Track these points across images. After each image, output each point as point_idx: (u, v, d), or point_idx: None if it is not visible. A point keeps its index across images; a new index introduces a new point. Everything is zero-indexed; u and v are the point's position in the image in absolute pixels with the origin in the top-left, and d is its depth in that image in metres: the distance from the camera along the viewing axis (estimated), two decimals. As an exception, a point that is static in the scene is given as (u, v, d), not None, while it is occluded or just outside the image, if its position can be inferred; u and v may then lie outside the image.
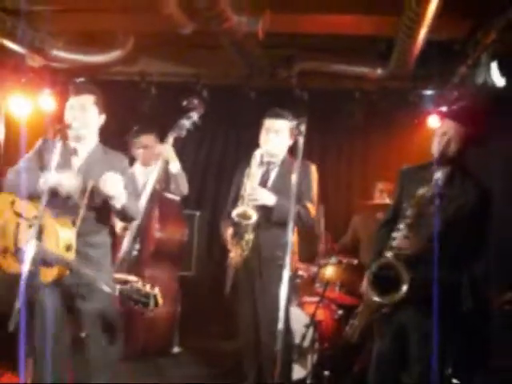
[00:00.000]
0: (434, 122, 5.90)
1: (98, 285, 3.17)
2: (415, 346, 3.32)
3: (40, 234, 3.07)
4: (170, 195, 5.05)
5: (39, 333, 3.47)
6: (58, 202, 3.39)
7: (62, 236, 3.26)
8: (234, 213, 3.97)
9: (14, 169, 3.47)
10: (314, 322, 4.58)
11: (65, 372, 3.57)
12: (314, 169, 4.20)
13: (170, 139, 4.88)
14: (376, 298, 3.24)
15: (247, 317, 4.21)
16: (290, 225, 2.93)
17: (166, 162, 4.90)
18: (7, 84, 6.45)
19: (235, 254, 4.07)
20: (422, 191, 3.17)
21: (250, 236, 3.96)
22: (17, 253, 3.32)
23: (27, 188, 3.26)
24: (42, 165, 3.43)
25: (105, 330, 3.55)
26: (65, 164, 3.42)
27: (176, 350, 5.49)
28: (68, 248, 3.26)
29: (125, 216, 3.53)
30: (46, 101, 6.58)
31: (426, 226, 3.21)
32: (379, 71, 5.93)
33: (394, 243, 3.26)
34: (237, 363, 4.65)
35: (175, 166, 4.92)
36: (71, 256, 3.26)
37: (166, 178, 5.02)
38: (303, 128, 2.98)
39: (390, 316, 3.34)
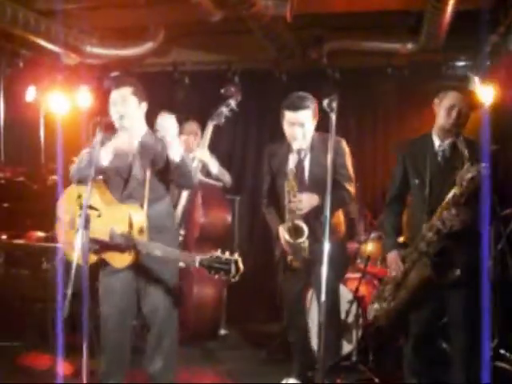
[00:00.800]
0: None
1: (177, 259, 3.28)
2: (458, 317, 3.35)
3: (87, 223, 3.13)
4: (211, 181, 5.14)
5: (105, 320, 3.61)
6: (122, 187, 3.53)
7: (135, 220, 3.36)
8: (285, 232, 3.85)
9: (77, 161, 3.59)
10: (357, 298, 4.62)
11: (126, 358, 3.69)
12: (344, 144, 4.07)
13: (210, 127, 4.95)
14: (438, 279, 3.26)
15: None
16: (328, 200, 2.96)
17: (205, 165, 4.98)
18: (45, 83, 6.62)
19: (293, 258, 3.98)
20: (474, 169, 3.13)
21: (306, 244, 3.82)
22: (95, 243, 3.40)
23: (89, 169, 3.22)
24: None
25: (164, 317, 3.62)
26: (123, 153, 3.54)
27: (223, 332, 5.61)
28: (141, 231, 3.36)
29: (183, 173, 3.48)
30: (84, 97, 6.72)
31: (470, 203, 3.22)
32: (410, 46, 5.91)
33: (436, 222, 3.25)
34: (282, 344, 4.75)
35: (214, 167, 5.03)
36: (144, 238, 3.37)
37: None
38: (335, 105, 3.01)
39: (433, 293, 3.39)
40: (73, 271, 3.01)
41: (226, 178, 5.16)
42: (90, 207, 3.34)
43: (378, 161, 6.72)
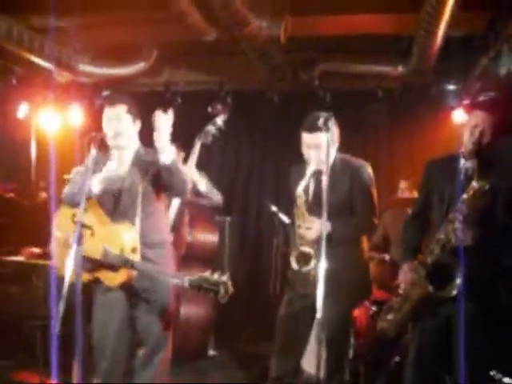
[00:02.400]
0: (458, 116, 5.92)
1: (167, 280, 3.26)
2: (460, 341, 3.31)
3: (81, 239, 3.12)
4: (200, 200, 5.13)
5: (99, 337, 3.58)
6: (114, 206, 3.51)
7: (127, 239, 3.35)
8: (292, 259, 3.76)
9: (70, 182, 3.59)
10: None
11: (119, 378, 3.64)
12: (367, 169, 3.87)
13: (197, 146, 4.95)
14: (435, 292, 3.23)
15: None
16: (324, 215, 2.96)
17: (193, 184, 4.98)
18: (37, 100, 6.62)
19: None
20: (480, 184, 3.14)
21: (313, 272, 3.66)
22: (88, 261, 3.36)
23: (81, 195, 3.21)
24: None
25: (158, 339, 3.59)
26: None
27: (212, 352, 5.57)
28: (133, 250, 3.35)
29: (173, 177, 3.40)
30: (75, 115, 6.74)
31: (478, 219, 3.21)
32: (401, 68, 5.98)
33: (443, 236, 3.24)
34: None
35: (202, 185, 5.01)
36: (136, 257, 3.36)
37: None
38: (330, 123, 3.03)
39: (436, 310, 3.33)
40: (65, 288, 3.00)
41: (215, 195, 5.13)
42: (84, 226, 3.29)
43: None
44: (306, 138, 3.78)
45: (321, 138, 3.65)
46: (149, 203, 3.54)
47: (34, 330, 4.67)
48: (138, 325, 3.60)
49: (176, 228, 5.07)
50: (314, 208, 3.72)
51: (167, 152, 3.34)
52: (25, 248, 5.39)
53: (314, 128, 3.67)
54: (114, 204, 3.53)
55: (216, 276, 3.06)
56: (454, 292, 3.16)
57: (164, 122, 3.33)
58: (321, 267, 2.89)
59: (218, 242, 5.45)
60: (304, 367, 4.46)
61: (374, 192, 3.87)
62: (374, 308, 4.97)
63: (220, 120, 4.91)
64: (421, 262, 3.35)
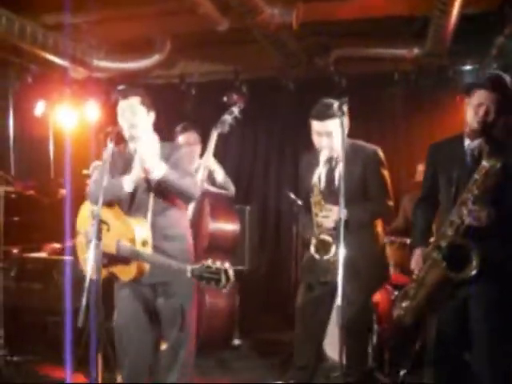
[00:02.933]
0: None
1: (173, 269, 3.25)
2: (479, 323, 3.29)
3: (100, 234, 3.16)
4: (218, 190, 5.13)
5: (120, 333, 3.61)
6: (130, 201, 3.53)
7: (138, 232, 3.36)
8: (312, 248, 3.73)
9: (93, 180, 3.65)
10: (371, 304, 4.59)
11: (143, 373, 3.67)
12: (378, 153, 3.88)
13: (214, 136, 4.94)
14: (452, 274, 3.19)
15: None
16: (342, 202, 2.95)
17: (211, 172, 4.98)
18: (53, 97, 6.66)
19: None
20: (491, 163, 3.10)
21: (333, 260, 3.62)
22: (104, 257, 3.35)
23: (109, 195, 3.34)
24: (111, 172, 3.52)
25: (182, 329, 3.58)
26: (129, 165, 3.56)
27: (237, 342, 5.58)
28: (144, 243, 3.36)
29: (170, 189, 3.48)
30: (92, 111, 6.76)
31: (488, 198, 3.17)
32: (416, 51, 5.92)
33: (456, 218, 3.21)
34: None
35: (220, 175, 5.01)
36: (148, 250, 3.37)
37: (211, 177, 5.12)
38: (345, 108, 3.01)
39: (453, 292, 3.29)
40: (87, 283, 3.03)
41: (231, 186, 5.13)
42: (101, 221, 3.37)
43: (387, 166, 6.68)
44: (317, 125, 3.77)
45: (332, 125, 3.65)
46: (163, 197, 3.55)
47: (57, 326, 4.71)
48: (160, 319, 3.61)
49: (197, 219, 5.08)
50: (329, 196, 3.73)
51: (157, 168, 3.40)
52: (46, 245, 5.45)
53: (324, 115, 3.68)
54: (131, 199, 3.54)
55: (218, 264, 3.01)
56: (472, 273, 3.13)
57: (151, 142, 3.42)
58: (341, 254, 2.87)
59: (239, 231, 5.45)
60: (327, 353, 4.47)
61: (387, 175, 3.88)
62: (396, 293, 4.94)
63: (236, 109, 4.90)
64: (435, 245, 3.31)
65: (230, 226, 5.28)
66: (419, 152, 6.34)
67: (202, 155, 5.09)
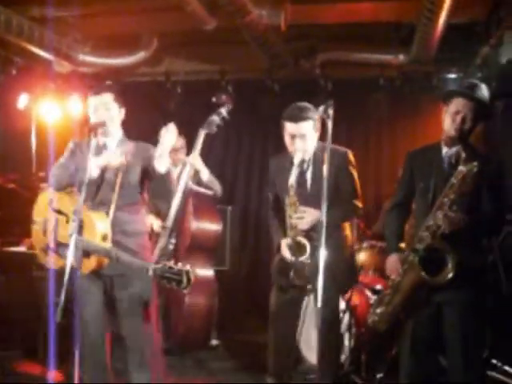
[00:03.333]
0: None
1: (135, 267, 3.27)
2: (453, 328, 3.32)
3: (81, 229, 3.17)
4: (202, 190, 5.12)
5: (81, 324, 3.53)
6: (94, 194, 3.54)
7: (99, 227, 3.39)
8: (286, 249, 3.77)
9: (56, 165, 3.64)
10: (349, 307, 4.62)
11: (104, 365, 3.66)
12: (349, 156, 3.95)
13: (202, 135, 4.93)
14: (429, 278, 3.21)
15: None
16: (324, 206, 2.96)
17: (196, 172, 4.97)
18: (37, 90, 6.61)
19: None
20: (468, 167, 3.14)
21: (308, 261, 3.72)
22: (58, 248, 3.46)
23: (70, 180, 3.44)
24: (76, 163, 3.56)
25: (142, 320, 3.58)
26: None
27: (214, 342, 5.58)
28: (104, 238, 3.39)
29: (164, 184, 3.62)
30: (75, 105, 6.71)
31: (464, 203, 3.21)
32: (402, 57, 5.96)
33: (432, 222, 3.24)
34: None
35: (205, 174, 5.00)
36: (107, 245, 3.39)
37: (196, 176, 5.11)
38: (331, 111, 3.02)
39: (428, 297, 3.31)
40: (66, 278, 3.02)
41: (216, 186, 5.13)
42: (60, 212, 3.47)
43: (369, 171, 6.72)
44: (290, 127, 3.81)
45: (306, 127, 3.75)
46: (127, 195, 3.57)
47: (37, 320, 4.68)
48: (118, 310, 3.58)
49: (180, 218, 5.07)
50: (300, 197, 3.77)
51: (164, 162, 3.42)
52: (26, 239, 5.41)
53: (298, 118, 3.76)
54: (95, 192, 3.55)
55: (179, 265, 3.06)
56: (448, 276, 3.16)
57: (171, 134, 3.39)
58: (321, 256, 2.88)
59: (221, 231, 5.44)
60: (304, 355, 4.48)
61: (356, 176, 3.95)
62: (374, 297, 4.97)
63: (224, 110, 4.90)
64: (412, 249, 3.34)
65: (212, 226, 5.27)
66: (402, 157, 6.37)
67: (187, 155, 5.09)
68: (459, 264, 3.15)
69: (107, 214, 3.48)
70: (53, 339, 3.79)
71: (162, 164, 3.41)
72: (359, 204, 3.95)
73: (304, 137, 3.77)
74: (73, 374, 3.17)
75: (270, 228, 4.12)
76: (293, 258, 3.73)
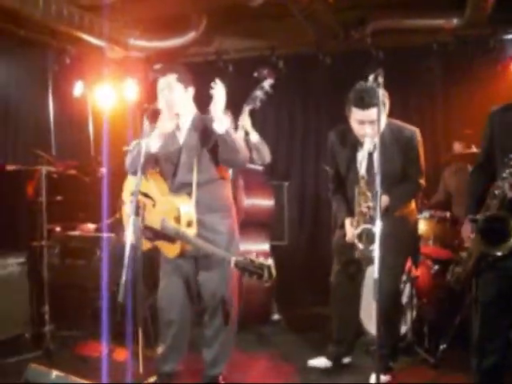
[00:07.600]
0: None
1: (217, 255, 3.34)
2: None
3: (138, 210, 3.20)
4: (252, 165, 5.12)
5: (162, 308, 3.74)
6: (173, 175, 3.61)
7: (183, 212, 3.43)
8: (355, 238, 3.72)
9: (130, 154, 3.66)
10: (410, 278, 4.57)
11: (184, 346, 3.81)
12: (417, 136, 3.88)
13: (246, 111, 4.92)
14: (486, 250, 3.13)
15: None
16: (378, 177, 2.93)
17: (246, 133, 4.96)
18: (91, 77, 6.73)
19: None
20: None
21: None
22: (149, 231, 3.49)
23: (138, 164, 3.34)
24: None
25: (223, 303, 3.68)
26: (173, 139, 3.64)
27: (276, 317, 5.63)
28: (189, 224, 3.44)
29: (227, 146, 3.44)
30: (130, 90, 6.80)
31: None
32: (455, 21, 5.79)
33: (499, 191, 3.10)
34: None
35: (254, 136, 4.98)
36: (192, 231, 3.44)
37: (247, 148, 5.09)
38: (381, 79, 2.97)
39: (496, 264, 3.18)
40: (126, 258, 3.09)
41: (265, 150, 5.01)
42: (146, 196, 3.51)
43: (425, 140, 6.51)
44: (359, 114, 3.72)
45: (376, 113, 3.43)
46: (207, 171, 3.59)
47: (101, 301, 4.81)
48: (202, 291, 3.70)
49: (232, 192, 5.10)
50: (370, 182, 3.68)
51: (221, 121, 3.38)
52: (88, 222, 5.57)
53: (367, 104, 3.64)
54: (173, 173, 3.61)
55: (261, 259, 3.07)
56: (507, 250, 3.06)
57: (219, 91, 3.37)
58: (377, 227, 2.86)
59: (274, 206, 5.45)
60: (366, 328, 4.47)
61: (422, 154, 3.91)
62: (436, 267, 4.91)
63: (267, 84, 4.86)
64: (471, 219, 3.24)
65: (264, 202, 5.29)
66: (458, 125, 6.23)
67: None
68: None
69: (189, 195, 3.53)
70: (107, 318, 3.90)
71: (220, 124, 3.38)
72: (423, 182, 3.93)
73: (373, 122, 3.61)
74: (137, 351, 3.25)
75: (333, 204, 4.11)
76: (361, 247, 3.70)
